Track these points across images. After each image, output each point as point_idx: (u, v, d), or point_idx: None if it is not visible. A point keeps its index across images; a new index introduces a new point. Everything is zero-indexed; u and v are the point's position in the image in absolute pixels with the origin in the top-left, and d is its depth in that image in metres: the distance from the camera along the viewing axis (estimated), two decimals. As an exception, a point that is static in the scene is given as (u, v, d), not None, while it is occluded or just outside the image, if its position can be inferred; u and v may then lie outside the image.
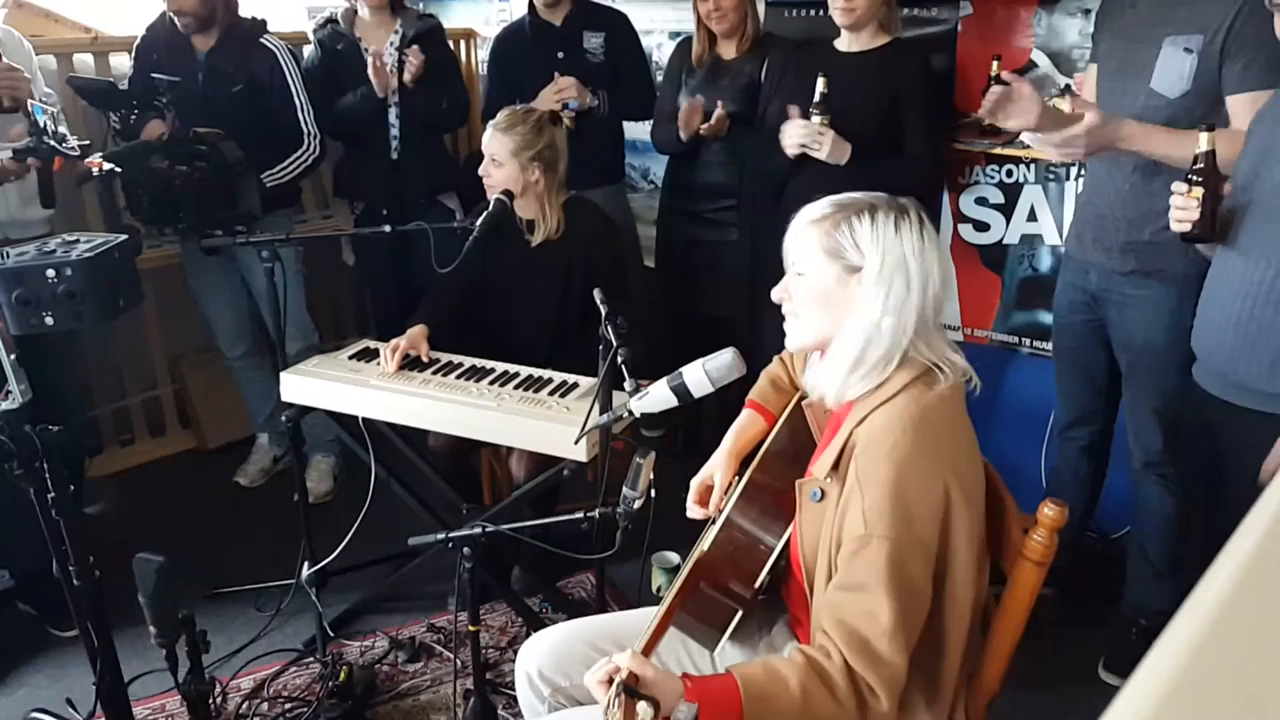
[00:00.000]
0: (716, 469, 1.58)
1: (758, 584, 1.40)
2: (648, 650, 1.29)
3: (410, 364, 2.37)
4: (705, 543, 1.44)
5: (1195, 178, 1.69)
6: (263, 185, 2.84)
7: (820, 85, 2.41)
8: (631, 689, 1.17)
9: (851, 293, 1.30)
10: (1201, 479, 1.93)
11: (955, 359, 1.32)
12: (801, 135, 2.45)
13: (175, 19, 2.81)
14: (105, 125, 2.83)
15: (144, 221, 2.73)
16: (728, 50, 2.88)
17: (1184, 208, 1.70)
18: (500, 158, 2.41)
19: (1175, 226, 1.73)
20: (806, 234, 1.33)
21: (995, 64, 2.56)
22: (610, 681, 1.19)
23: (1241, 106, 1.88)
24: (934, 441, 1.25)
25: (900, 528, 1.21)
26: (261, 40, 2.92)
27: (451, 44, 3.43)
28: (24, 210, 2.48)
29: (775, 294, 1.40)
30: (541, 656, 1.56)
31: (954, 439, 1.29)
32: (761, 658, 1.30)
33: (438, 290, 2.59)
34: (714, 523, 1.49)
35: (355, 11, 3.11)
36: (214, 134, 2.69)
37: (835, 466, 1.29)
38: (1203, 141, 1.68)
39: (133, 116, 2.76)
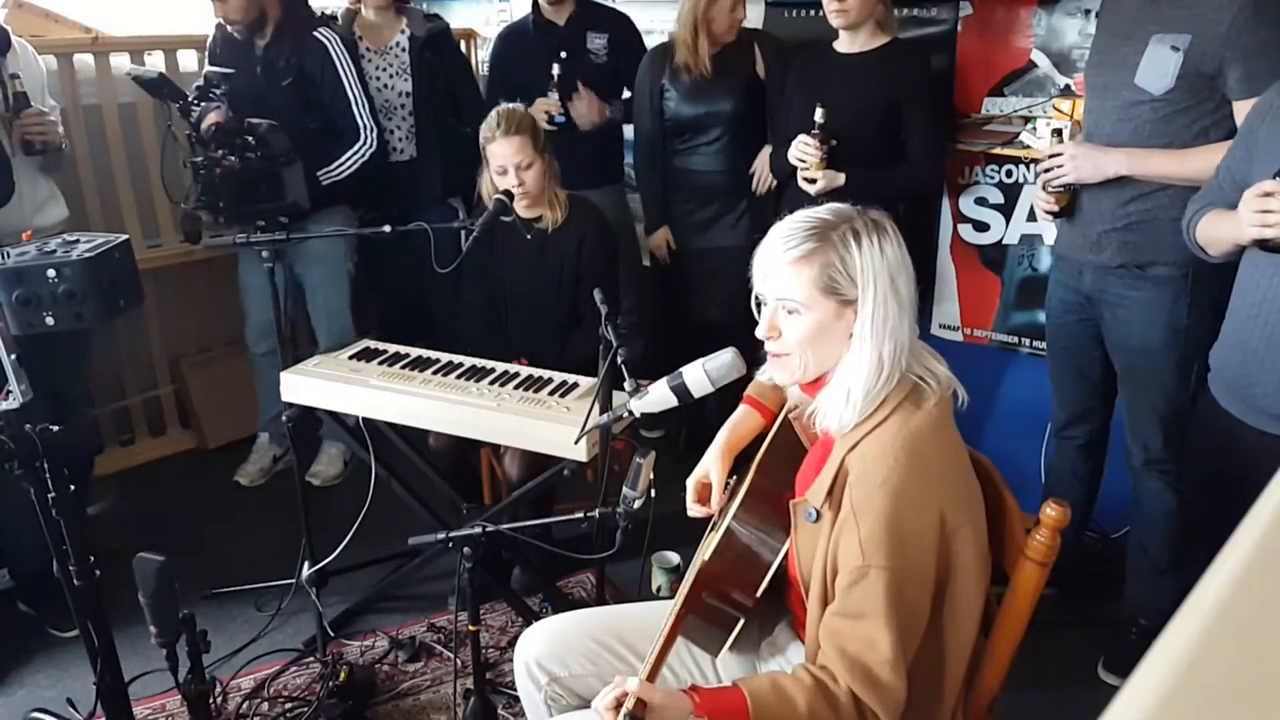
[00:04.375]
0: (711, 465, 1.58)
1: (759, 592, 1.40)
2: (654, 671, 1.30)
3: (411, 364, 2.38)
4: (706, 552, 1.43)
5: None
6: (316, 181, 2.81)
7: (818, 115, 2.38)
8: (638, 718, 1.17)
9: (848, 324, 1.28)
10: (1205, 482, 1.93)
11: (939, 370, 1.31)
12: (796, 155, 2.44)
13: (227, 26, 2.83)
14: (168, 114, 2.80)
15: (199, 209, 2.72)
16: (714, 49, 2.86)
17: None
18: (526, 159, 2.40)
19: (1260, 233, 1.55)
20: (795, 272, 1.27)
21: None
22: (618, 707, 1.20)
23: (1245, 111, 1.87)
24: (927, 468, 1.24)
25: (897, 558, 1.21)
26: (315, 34, 2.89)
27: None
28: (38, 216, 2.50)
29: (762, 333, 1.35)
30: (540, 646, 1.57)
31: (946, 461, 1.29)
32: (769, 673, 1.30)
33: (469, 301, 2.64)
34: (714, 529, 1.49)
35: (356, 11, 3.11)
36: (265, 125, 2.68)
37: (829, 493, 1.28)
38: None
39: (194, 106, 2.74)
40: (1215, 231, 1.73)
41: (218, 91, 2.68)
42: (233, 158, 2.57)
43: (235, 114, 2.67)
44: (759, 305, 1.37)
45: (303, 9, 2.94)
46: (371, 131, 2.92)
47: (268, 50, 2.87)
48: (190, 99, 2.70)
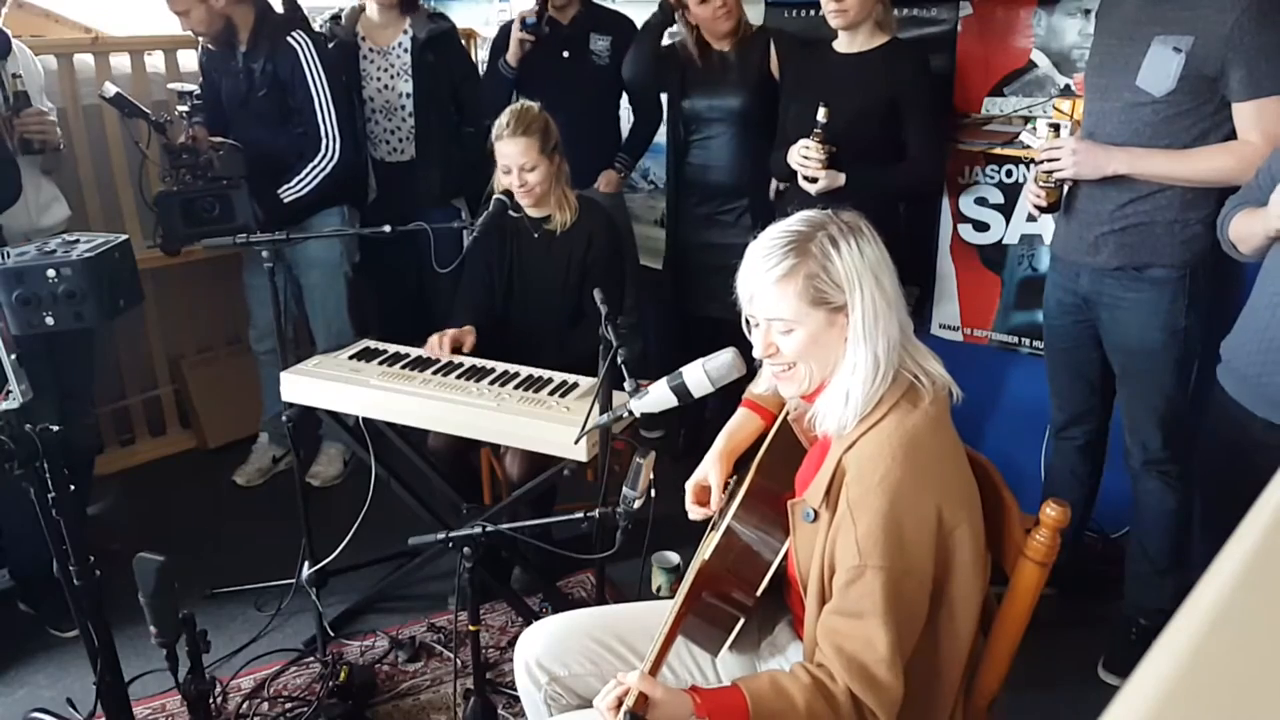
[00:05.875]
0: (710, 469, 1.58)
1: (759, 592, 1.40)
2: (655, 667, 1.30)
3: (411, 364, 2.38)
4: (706, 551, 1.44)
5: None
6: (279, 200, 2.79)
7: (821, 115, 2.37)
8: (638, 716, 1.17)
9: (842, 329, 1.28)
10: (1215, 478, 1.92)
11: (934, 370, 1.32)
12: (797, 159, 2.44)
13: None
14: (147, 132, 2.79)
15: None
16: (724, 45, 2.88)
17: None
18: (531, 160, 2.39)
19: None
20: (781, 291, 1.27)
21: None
22: (619, 705, 1.20)
23: (1246, 114, 1.89)
24: (923, 467, 1.24)
25: (894, 557, 1.21)
26: (289, 39, 2.81)
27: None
28: (41, 218, 2.50)
29: (758, 353, 1.36)
30: (540, 646, 1.58)
31: (942, 461, 1.29)
32: (768, 672, 1.30)
33: (464, 301, 2.61)
34: (714, 528, 1.49)
35: (360, 10, 3.10)
36: (225, 144, 2.65)
37: (827, 492, 1.29)
38: None
39: (168, 123, 2.71)
40: (1249, 226, 1.74)
41: (184, 109, 2.65)
42: (189, 177, 2.58)
43: (220, 125, 2.67)
44: (749, 324, 1.37)
45: (277, 14, 2.87)
46: (335, 142, 2.80)
47: (246, 58, 2.83)
48: (154, 117, 2.69)
